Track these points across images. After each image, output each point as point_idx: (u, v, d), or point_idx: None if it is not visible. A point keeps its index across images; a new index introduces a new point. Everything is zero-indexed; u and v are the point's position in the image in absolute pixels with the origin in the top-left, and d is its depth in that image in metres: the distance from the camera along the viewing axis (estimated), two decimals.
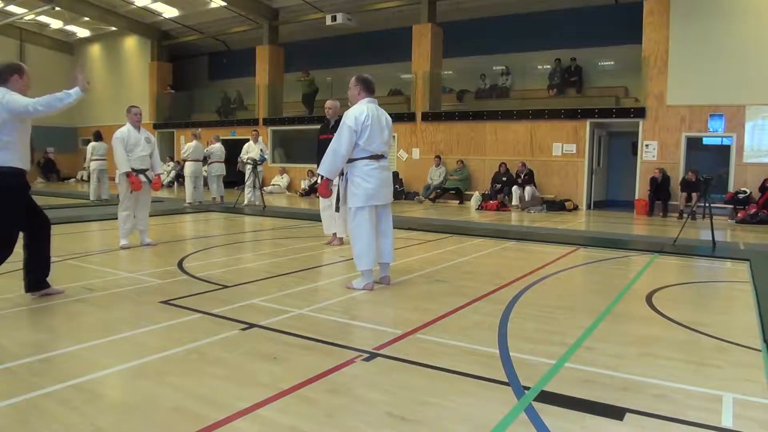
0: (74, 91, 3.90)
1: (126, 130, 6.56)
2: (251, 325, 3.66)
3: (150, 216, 10.34)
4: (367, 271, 4.75)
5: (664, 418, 2.42)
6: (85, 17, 20.69)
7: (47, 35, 23.52)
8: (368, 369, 2.95)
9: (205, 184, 13.78)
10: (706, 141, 12.87)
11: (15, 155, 3.86)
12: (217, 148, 13.48)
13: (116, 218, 9.87)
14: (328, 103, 7.18)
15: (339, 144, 4.64)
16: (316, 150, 7.01)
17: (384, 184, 4.80)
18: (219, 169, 13.42)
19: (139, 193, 6.71)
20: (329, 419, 2.36)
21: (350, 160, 4.77)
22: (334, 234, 7.25)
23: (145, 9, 19.87)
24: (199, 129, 14.62)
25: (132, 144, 6.55)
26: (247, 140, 13.28)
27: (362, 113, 4.64)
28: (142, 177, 6.61)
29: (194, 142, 12.93)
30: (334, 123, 7.12)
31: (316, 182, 16.76)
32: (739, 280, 5.52)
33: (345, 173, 4.90)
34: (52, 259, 6.01)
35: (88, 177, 14.05)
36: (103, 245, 7.13)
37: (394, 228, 5.09)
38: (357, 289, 4.74)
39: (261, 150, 12.90)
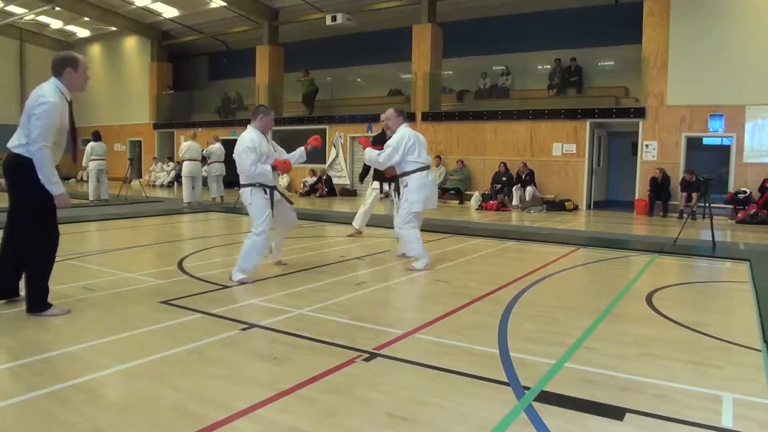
0: (59, 187, 3.69)
1: (256, 137, 5.03)
2: (251, 325, 3.66)
3: (149, 216, 10.41)
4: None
5: (664, 418, 2.42)
6: (85, 17, 20.69)
7: (47, 35, 23.51)
8: (368, 369, 2.95)
9: (205, 184, 13.78)
10: (706, 141, 12.87)
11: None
12: (217, 148, 13.48)
13: (117, 218, 10.00)
14: (387, 113, 6.65)
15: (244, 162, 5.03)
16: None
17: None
18: (219, 169, 13.42)
19: (282, 210, 5.37)
20: (329, 419, 2.36)
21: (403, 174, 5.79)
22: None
23: (145, 9, 19.87)
24: (198, 129, 14.64)
25: (262, 155, 5.05)
26: None
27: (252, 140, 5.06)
28: (276, 194, 5.23)
29: (189, 142, 12.97)
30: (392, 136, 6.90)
31: (316, 181, 16.81)
32: (739, 280, 5.52)
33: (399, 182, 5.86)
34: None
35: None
36: (103, 245, 7.12)
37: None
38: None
39: None
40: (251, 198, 5.06)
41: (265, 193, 5.07)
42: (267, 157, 5.07)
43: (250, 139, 5.00)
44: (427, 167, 5.84)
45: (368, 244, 7.41)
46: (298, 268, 5.64)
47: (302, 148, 5.49)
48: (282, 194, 5.32)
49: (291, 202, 5.46)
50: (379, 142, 6.75)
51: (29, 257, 3.77)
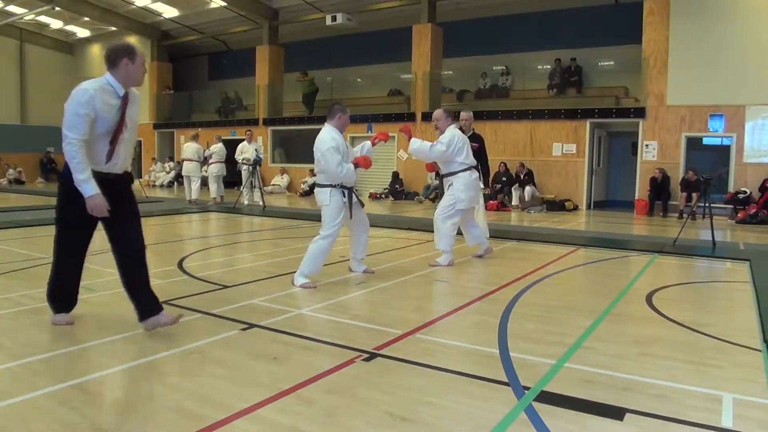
0: (87, 188, 3.22)
1: (336, 135, 4.86)
2: (251, 325, 3.66)
3: (149, 216, 10.40)
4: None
5: (664, 418, 2.42)
6: (85, 17, 20.69)
7: (47, 35, 23.51)
8: (368, 369, 2.95)
9: (206, 184, 13.80)
10: (706, 141, 12.87)
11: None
12: (219, 148, 13.48)
13: None
14: (464, 115, 7.26)
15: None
16: None
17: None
18: (219, 169, 13.42)
19: (356, 212, 5.13)
20: (329, 419, 2.36)
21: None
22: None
23: (145, 9, 19.87)
24: (198, 129, 14.72)
25: (343, 154, 4.88)
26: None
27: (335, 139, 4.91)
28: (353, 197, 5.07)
29: (188, 143, 13.25)
30: (471, 135, 7.02)
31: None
32: (739, 280, 5.52)
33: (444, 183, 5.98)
34: (49, 259, 5.99)
35: None
36: (103, 245, 7.11)
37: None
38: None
39: (256, 150, 12.94)
40: (330, 199, 4.87)
41: (344, 195, 4.91)
42: (347, 156, 4.91)
43: (331, 138, 4.80)
44: (471, 168, 5.99)
45: (370, 244, 7.39)
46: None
47: (368, 142, 5.33)
48: (357, 197, 5.13)
49: (363, 204, 5.26)
50: None
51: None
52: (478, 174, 6.18)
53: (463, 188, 5.88)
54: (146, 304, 3.47)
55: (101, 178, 3.31)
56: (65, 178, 3.34)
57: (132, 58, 3.34)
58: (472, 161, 6.02)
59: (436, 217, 5.97)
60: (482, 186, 7.38)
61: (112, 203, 3.34)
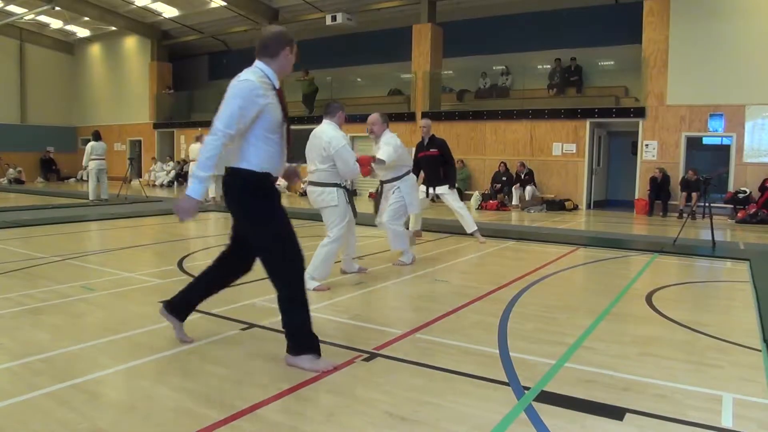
0: (199, 188, 2.91)
1: (344, 134, 4.78)
2: (251, 325, 3.66)
3: (149, 216, 10.42)
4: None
5: (664, 418, 2.42)
6: (85, 17, 20.68)
7: (47, 35, 23.51)
8: (368, 369, 2.95)
9: None
10: (706, 141, 12.87)
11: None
12: None
13: (117, 218, 9.99)
14: (422, 122, 7.90)
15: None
16: (415, 166, 7.18)
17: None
18: (219, 169, 13.47)
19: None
20: (329, 419, 2.37)
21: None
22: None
23: (145, 9, 19.87)
24: (200, 130, 14.81)
25: None
26: None
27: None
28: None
29: (194, 144, 13.58)
30: (429, 141, 7.70)
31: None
32: (739, 280, 5.52)
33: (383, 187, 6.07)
34: (54, 258, 5.98)
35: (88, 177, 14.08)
36: (103, 245, 7.12)
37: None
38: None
39: None
40: (338, 200, 4.72)
41: (345, 195, 4.82)
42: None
43: (342, 135, 4.67)
44: (411, 171, 6.13)
45: (367, 244, 7.40)
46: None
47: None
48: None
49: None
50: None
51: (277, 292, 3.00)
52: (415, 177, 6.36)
53: (410, 191, 5.94)
54: (187, 306, 3.35)
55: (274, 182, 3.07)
56: (243, 184, 3.00)
57: (292, 48, 3.03)
58: (410, 164, 6.20)
59: (386, 223, 5.80)
60: (449, 187, 7.60)
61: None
